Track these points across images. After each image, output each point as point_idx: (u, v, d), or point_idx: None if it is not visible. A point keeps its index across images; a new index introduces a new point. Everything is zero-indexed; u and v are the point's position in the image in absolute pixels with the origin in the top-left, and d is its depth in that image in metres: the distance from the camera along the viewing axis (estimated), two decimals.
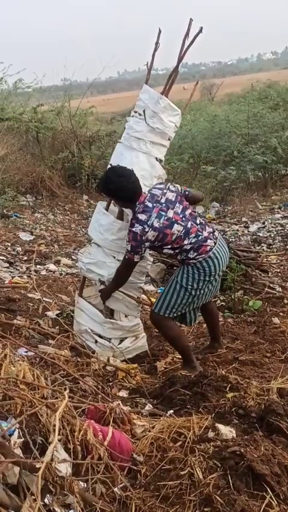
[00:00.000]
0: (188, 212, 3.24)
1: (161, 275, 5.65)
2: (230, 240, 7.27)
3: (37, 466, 1.75)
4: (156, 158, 3.54)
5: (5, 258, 5.89)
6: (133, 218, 3.16)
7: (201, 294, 3.30)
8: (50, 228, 7.85)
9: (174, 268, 5.05)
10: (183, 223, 3.17)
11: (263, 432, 2.27)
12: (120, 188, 3.13)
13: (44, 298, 4.13)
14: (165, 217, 3.13)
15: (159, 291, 5.38)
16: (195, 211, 3.42)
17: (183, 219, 3.18)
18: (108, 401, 2.59)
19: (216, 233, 3.35)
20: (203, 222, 3.35)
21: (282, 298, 4.87)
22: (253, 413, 2.44)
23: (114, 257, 3.48)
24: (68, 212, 8.91)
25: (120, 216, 3.52)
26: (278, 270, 5.84)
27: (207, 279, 3.25)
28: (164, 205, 3.16)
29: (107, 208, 3.62)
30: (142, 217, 3.11)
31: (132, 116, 3.59)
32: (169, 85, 3.54)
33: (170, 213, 3.15)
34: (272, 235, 7.47)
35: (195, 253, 3.20)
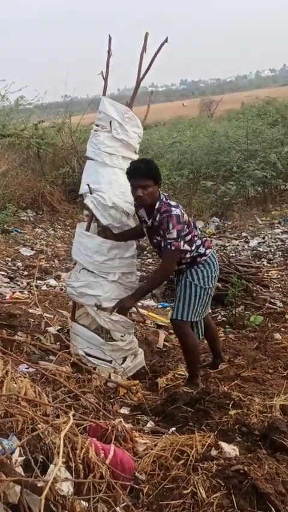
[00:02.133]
0: None
1: (161, 290, 5.64)
2: (231, 254, 7.28)
3: (38, 485, 1.73)
4: None
5: (5, 273, 5.89)
6: (166, 205, 3.16)
7: (211, 294, 3.40)
8: (50, 243, 7.86)
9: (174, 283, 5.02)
10: None
11: (267, 450, 2.26)
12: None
13: (45, 314, 4.12)
14: None
15: (159, 306, 5.38)
16: None
17: None
18: (110, 418, 2.57)
19: None
20: None
21: (283, 313, 4.86)
22: (256, 431, 2.42)
23: (105, 278, 3.39)
24: (69, 227, 8.92)
25: (104, 235, 3.46)
26: (279, 285, 5.84)
27: (217, 273, 3.37)
28: None
29: (87, 229, 3.54)
30: (173, 202, 3.20)
31: (96, 130, 3.55)
32: (132, 97, 3.55)
33: None
34: (272, 250, 7.48)
35: (204, 248, 3.30)
